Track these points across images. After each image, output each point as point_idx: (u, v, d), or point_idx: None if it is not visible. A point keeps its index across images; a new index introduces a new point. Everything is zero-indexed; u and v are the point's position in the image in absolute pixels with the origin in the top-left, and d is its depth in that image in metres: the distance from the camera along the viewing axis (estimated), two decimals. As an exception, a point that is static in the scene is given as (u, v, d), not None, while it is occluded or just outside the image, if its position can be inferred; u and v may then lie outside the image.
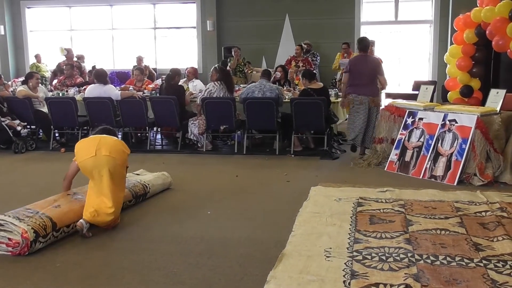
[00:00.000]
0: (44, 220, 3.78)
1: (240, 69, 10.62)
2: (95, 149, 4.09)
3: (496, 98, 5.99)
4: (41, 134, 8.34)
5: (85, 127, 7.88)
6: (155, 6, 13.28)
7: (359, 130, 6.75)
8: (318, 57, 11.20)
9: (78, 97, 8.16)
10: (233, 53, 10.64)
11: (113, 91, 7.76)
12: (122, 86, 9.07)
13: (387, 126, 6.50)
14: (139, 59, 11.26)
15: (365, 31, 12.14)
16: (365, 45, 6.89)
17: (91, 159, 4.08)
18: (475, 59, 7.07)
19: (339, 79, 10.17)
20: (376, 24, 12.45)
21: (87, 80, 9.84)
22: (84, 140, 4.37)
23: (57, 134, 8.26)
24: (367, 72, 6.71)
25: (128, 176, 4.82)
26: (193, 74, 9.30)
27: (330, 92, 7.74)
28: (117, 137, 4.62)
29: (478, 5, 6.77)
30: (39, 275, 3.36)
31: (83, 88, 8.77)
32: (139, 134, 8.35)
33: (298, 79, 8.72)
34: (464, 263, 3.31)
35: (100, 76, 7.93)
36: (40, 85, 8.46)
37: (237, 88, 8.71)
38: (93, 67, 10.42)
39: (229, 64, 10.53)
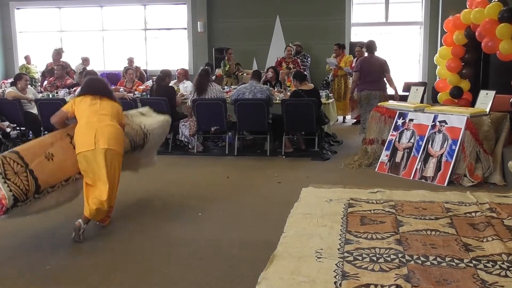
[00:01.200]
0: (29, 182, 3.61)
1: (232, 71, 10.61)
2: (93, 140, 3.94)
3: (485, 99, 6.03)
4: (31, 135, 8.27)
5: (75, 129, 7.81)
6: (146, 7, 13.24)
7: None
8: (309, 58, 11.22)
9: (68, 98, 8.09)
10: (226, 55, 10.62)
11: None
12: (113, 87, 9.02)
13: (378, 127, 6.54)
14: (130, 60, 11.22)
15: (355, 33, 12.21)
16: (373, 47, 7.99)
17: (90, 153, 3.93)
18: (464, 60, 7.11)
19: (331, 80, 10.21)
20: (367, 25, 12.49)
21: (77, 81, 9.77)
22: (80, 127, 4.07)
23: (47, 136, 8.19)
24: (376, 70, 7.81)
25: (132, 115, 4.72)
26: (183, 75, 9.27)
27: (321, 94, 7.76)
28: (108, 90, 4.45)
29: (467, 7, 6.82)
30: (28, 277, 3.33)
31: (73, 89, 8.71)
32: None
33: (290, 80, 8.73)
34: (454, 264, 3.32)
35: (90, 78, 7.87)
36: (29, 86, 8.39)
37: (228, 90, 8.72)
38: (83, 68, 10.36)
39: (221, 69, 10.51)
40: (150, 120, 4.87)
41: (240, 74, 10.72)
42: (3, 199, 3.49)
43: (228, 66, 10.49)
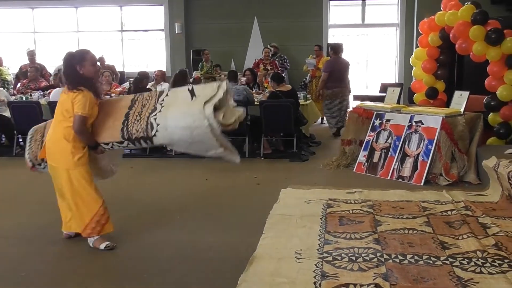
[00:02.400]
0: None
1: (209, 72, 10.59)
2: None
3: (460, 100, 6.13)
4: (3, 139, 8.12)
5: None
6: (122, 8, 13.11)
7: (338, 114, 8.66)
8: (287, 60, 11.26)
9: (43, 101, 7.96)
10: (203, 56, 10.59)
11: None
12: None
13: (355, 128, 6.59)
14: (101, 60, 10.71)
15: (333, 34, 12.29)
16: (340, 49, 8.81)
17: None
18: (439, 61, 7.22)
19: (309, 81, 10.26)
20: (344, 27, 12.60)
21: (52, 83, 9.62)
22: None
23: (20, 140, 8.04)
24: (343, 70, 8.69)
25: (149, 96, 3.69)
26: (161, 77, 9.20)
27: (298, 95, 7.80)
28: (67, 74, 3.74)
29: (442, 9, 6.92)
30: (1, 286, 3.26)
31: (47, 91, 8.57)
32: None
33: (267, 82, 8.75)
34: (431, 262, 3.37)
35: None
36: (0, 88, 8.22)
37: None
38: (59, 70, 10.19)
39: (198, 71, 10.48)
40: (169, 110, 3.51)
41: (217, 76, 10.70)
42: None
43: (205, 68, 10.46)
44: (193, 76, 10.33)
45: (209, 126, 3.33)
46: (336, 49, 8.73)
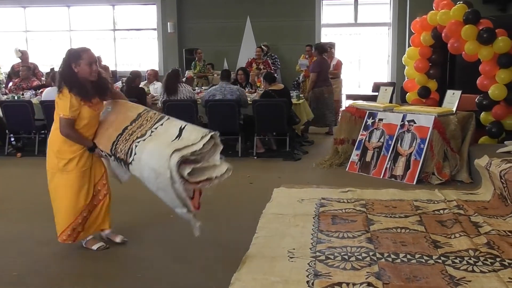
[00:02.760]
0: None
1: (202, 71, 10.57)
2: None
3: (452, 99, 6.16)
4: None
5: (43, 131, 7.66)
6: (115, 8, 13.06)
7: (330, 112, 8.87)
8: (277, 59, 11.27)
9: (35, 100, 7.92)
10: (196, 56, 10.56)
11: (71, 94, 7.56)
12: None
13: (348, 127, 6.59)
14: (98, 60, 10.95)
15: (325, 33, 12.31)
16: (325, 49, 9.13)
17: None
18: (431, 61, 7.24)
19: (302, 81, 10.27)
20: (336, 26, 12.62)
21: (44, 82, 9.56)
22: None
23: (12, 139, 8.00)
24: (327, 70, 9.04)
25: (151, 117, 3.44)
26: (154, 76, 9.19)
27: (291, 94, 7.80)
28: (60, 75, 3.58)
29: (434, 9, 6.94)
30: (-6, 284, 3.24)
31: (39, 91, 8.52)
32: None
33: (260, 81, 8.75)
34: (423, 260, 3.38)
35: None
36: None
37: (198, 91, 8.67)
38: (51, 69, 10.14)
39: (191, 70, 10.45)
40: (159, 144, 3.17)
41: (209, 75, 10.69)
42: None
43: (198, 67, 10.44)
44: (185, 75, 10.30)
45: (170, 178, 2.99)
46: (321, 49, 8.99)
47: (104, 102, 3.73)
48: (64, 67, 3.55)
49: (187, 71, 10.76)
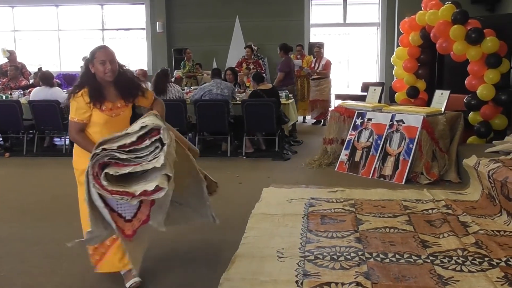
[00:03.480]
0: None
1: (191, 71, 10.54)
2: None
3: (440, 99, 6.18)
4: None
5: (31, 131, 7.60)
6: (103, 7, 12.98)
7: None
8: (264, 59, 11.28)
9: (23, 100, 7.85)
10: (184, 55, 10.52)
11: (59, 94, 7.51)
12: (70, 89, 8.78)
13: (337, 127, 6.61)
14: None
15: (314, 33, 12.33)
16: (289, 49, 9.66)
17: None
18: (420, 61, 7.27)
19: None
20: (325, 26, 12.64)
21: (32, 82, 9.48)
22: None
23: (0, 139, 7.92)
24: (294, 68, 9.69)
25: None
26: (142, 76, 9.11)
27: (280, 94, 7.80)
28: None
29: (422, 9, 6.97)
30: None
31: (28, 90, 8.45)
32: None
33: (249, 81, 8.74)
34: (412, 260, 3.38)
35: (46, 79, 7.67)
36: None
37: (187, 90, 8.63)
38: (39, 69, 10.05)
39: (180, 70, 10.41)
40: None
41: (199, 75, 10.66)
42: None
43: (187, 67, 10.41)
44: (174, 75, 10.27)
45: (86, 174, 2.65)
46: (287, 48, 9.51)
47: (140, 106, 3.43)
48: (84, 68, 3.33)
49: (176, 71, 10.73)
